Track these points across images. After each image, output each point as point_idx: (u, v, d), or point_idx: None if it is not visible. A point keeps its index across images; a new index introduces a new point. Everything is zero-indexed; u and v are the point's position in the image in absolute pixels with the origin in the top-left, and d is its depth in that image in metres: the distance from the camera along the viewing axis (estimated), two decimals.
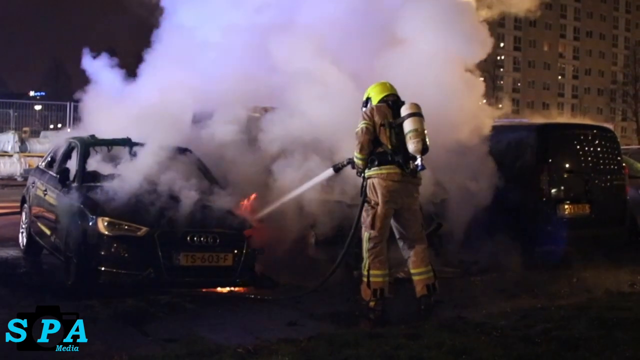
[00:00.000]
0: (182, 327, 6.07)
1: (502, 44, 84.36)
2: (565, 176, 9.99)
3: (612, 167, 10.39)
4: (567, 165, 10.06)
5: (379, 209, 6.99)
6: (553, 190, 9.73)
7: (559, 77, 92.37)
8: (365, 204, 7.08)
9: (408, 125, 6.94)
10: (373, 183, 7.04)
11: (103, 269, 7.23)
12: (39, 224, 9.16)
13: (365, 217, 7.06)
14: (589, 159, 10.16)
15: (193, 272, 7.40)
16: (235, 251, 7.58)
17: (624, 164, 10.78)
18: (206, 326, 6.20)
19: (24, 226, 10.07)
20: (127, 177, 7.84)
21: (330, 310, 6.88)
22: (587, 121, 16.36)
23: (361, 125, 7.10)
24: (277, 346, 5.37)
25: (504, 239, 9.56)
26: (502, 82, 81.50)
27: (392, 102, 7.21)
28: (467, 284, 8.43)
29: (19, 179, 23.19)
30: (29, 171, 17.87)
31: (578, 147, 10.15)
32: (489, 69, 70.40)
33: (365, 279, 6.97)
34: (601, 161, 10.27)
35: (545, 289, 8.11)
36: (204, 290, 7.53)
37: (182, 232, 7.39)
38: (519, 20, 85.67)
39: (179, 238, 7.37)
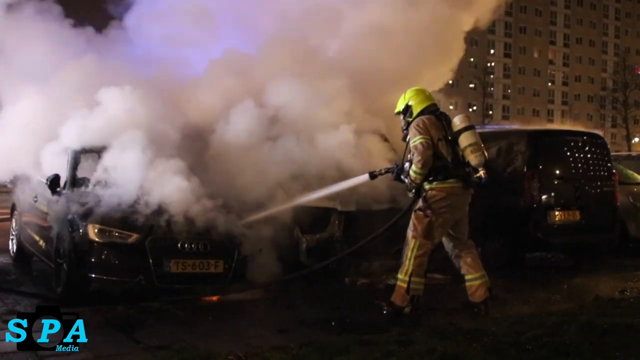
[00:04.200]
0: (172, 334, 6.05)
1: (492, 51, 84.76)
2: (556, 182, 10.00)
3: (602, 173, 10.41)
4: (557, 172, 10.06)
5: (437, 218, 7.03)
6: (543, 197, 9.73)
7: (549, 84, 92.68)
8: (418, 212, 7.09)
9: (466, 139, 7.02)
10: (434, 195, 7.04)
11: (93, 275, 7.21)
12: (29, 231, 9.13)
13: (417, 225, 7.07)
14: (580, 165, 10.18)
15: (184, 279, 7.38)
16: (227, 258, 7.57)
17: (614, 171, 10.81)
18: (197, 333, 6.18)
19: (14, 233, 10.03)
20: (117, 183, 7.80)
21: (321, 317, 6.88)
22: (577, 127, 16.42)
23: (420, 139, 6.99)
24: (268, 353, 5.37)
25: (494, 245, 9.59)
26: (492, 88, 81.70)
27: (439, 113, 7.22)
28: (458, 291, 8.42)
29: (9, 185, 23.00)
30: (19, 178, 17.74)
31: (568, 153, 10.16)
32: (479, 75, 70.75)
33: (405, 285, 7.02)
34: (591, 168, 10.29)
35: (536, 295, 8.12)
36: (194, 297, 7.49)
37: (173, 238, 7.37)
38: (509, 27, 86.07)
39: (170, 245, 7.36)
